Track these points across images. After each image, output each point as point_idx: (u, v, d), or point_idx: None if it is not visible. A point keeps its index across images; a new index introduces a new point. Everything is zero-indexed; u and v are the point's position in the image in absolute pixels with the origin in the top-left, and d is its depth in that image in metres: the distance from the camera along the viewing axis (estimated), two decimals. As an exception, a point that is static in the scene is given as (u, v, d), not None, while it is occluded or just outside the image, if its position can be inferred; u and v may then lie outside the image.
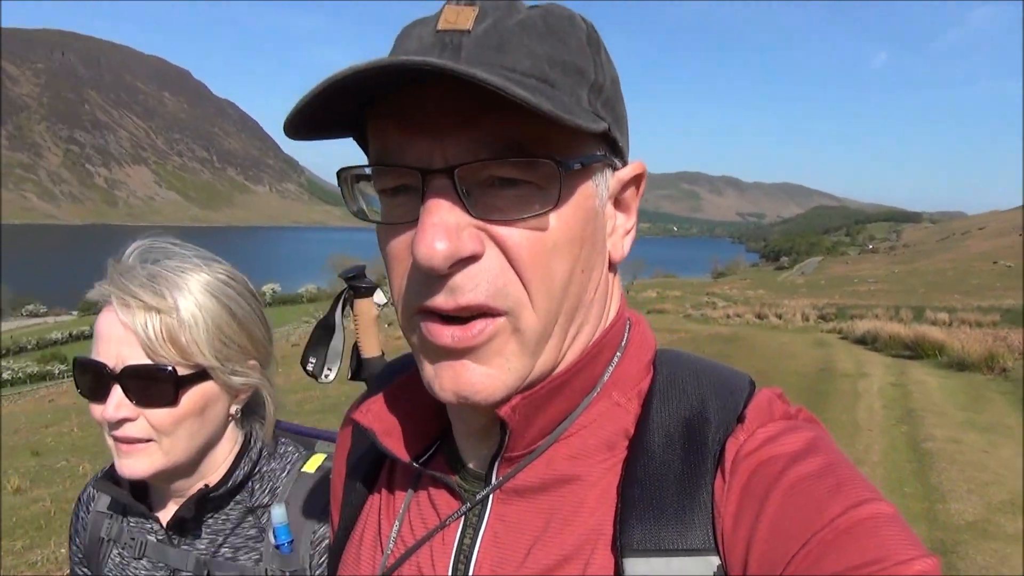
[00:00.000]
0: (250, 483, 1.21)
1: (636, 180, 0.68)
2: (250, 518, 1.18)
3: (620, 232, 0.69)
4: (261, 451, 1.22)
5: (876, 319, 21.47)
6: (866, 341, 16.91)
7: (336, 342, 1.29)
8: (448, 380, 0.61)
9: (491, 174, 0.57)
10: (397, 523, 0.74)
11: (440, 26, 0.59)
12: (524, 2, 0.62)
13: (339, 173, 0.64)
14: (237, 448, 1.21)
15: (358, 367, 1.34)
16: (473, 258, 0.58)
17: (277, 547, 1.13)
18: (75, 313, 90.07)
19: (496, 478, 0.67)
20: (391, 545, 0.73)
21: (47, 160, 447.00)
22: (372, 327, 1.28)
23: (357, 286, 1.26)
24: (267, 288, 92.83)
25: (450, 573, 0.67)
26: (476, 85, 0.51)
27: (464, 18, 0.59)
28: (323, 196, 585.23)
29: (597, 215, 0.64)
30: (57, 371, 50.71)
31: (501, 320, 0.59)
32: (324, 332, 1.29)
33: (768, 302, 38.29)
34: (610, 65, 0.65)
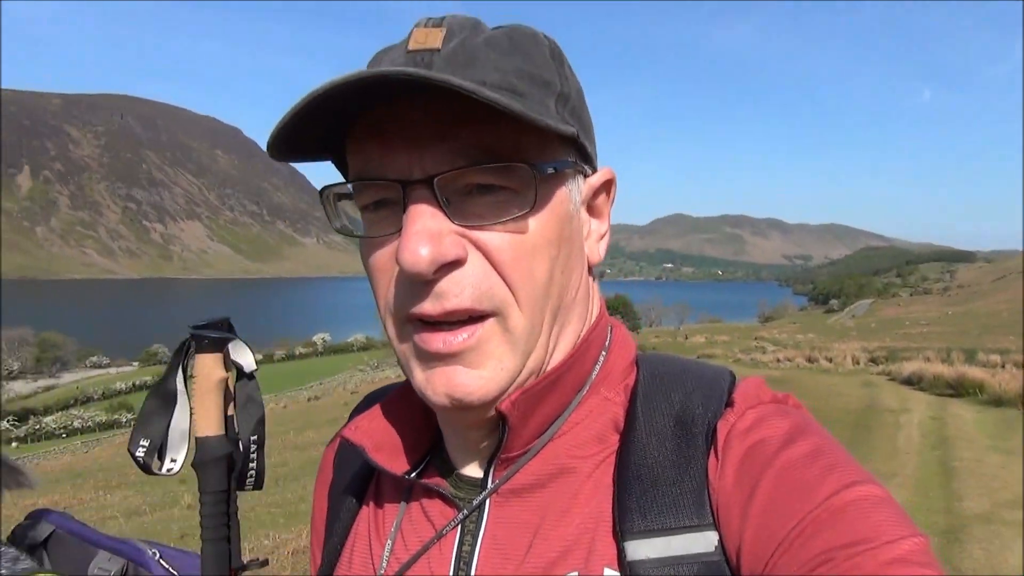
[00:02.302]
0: None
1: (606, 186, 0.71)
2: None
3: (595, 236, 0.72)
4: None
5: (927, 361, 21.92)
6: (912, 381, 17.55)
7: (180, 417, 0.93)
8: (441, 384, 0.62)
9: (469, 181, 0.60)
10: (390, 541, 0.73)
11: (411, 46, 0.62)
12: (485, 23, 0.66)
13: (321, 192, 0.65)
14: None
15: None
16: (457, 263, 0.59)
17: None
18: (136, 364, 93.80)
19: (492, 481, 0.68)
20: (384, 564, 0.72)
21: (106, 217, 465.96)
22: (212, 395, 0.90)
23: (200, 336, 0.90)
24: (318, 338, 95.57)
25: None
26: (449, 99, 0.55)
27: (433, 38, 0.61)
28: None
29: (572, 219, 0.67)
30: (124, 419, 53.25)
31: (489, 322, 0.61)
32: (160, 402, 0.93)
33: (818, 346, 38.46)
34: (574, 78, 0.68)
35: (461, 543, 0.68)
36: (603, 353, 0.71)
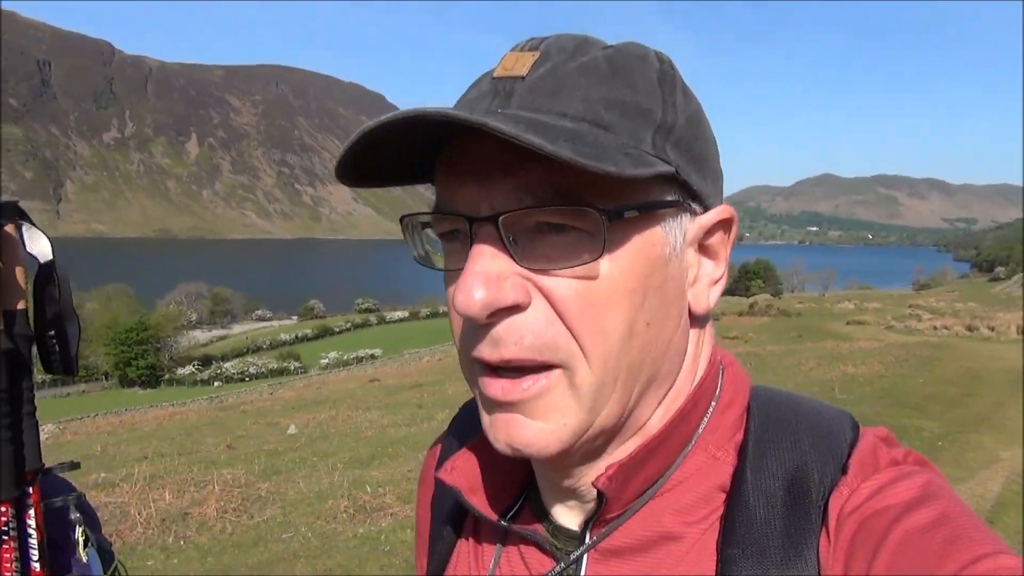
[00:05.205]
0: None
1: (724, 225, 0.64)
2: None
3: (705, 281, 0.64)
4: None
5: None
6: None
7: None
8: (502, 432, 0.60)
9: (539, 220, 0.56)
10: None
11: (496, 73, 0.59)
12: (598, 42, 0.61)
13: (402, 219, 0.64)
14: None
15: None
16: (516, 308, 0.56)
17: None
18: (295, 318, 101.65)
19: (590, 538, 0.65)
20: None
21: (263, 181, 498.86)
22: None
23: None
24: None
25: None
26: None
27: (521, 64, 0.59)
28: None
29: (667, 263, 0.60)
30: (292, 367, 58.72)
31: (555, 373, 0.57)
32: None
33: (980, 315, 36.83)
34: (687, 103, 0.62)
35: None
36: (712, 404, 0.65)
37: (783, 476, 0.60)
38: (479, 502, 0.69)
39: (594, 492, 0.63)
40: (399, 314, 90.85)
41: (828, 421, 0.63)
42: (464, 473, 0.70)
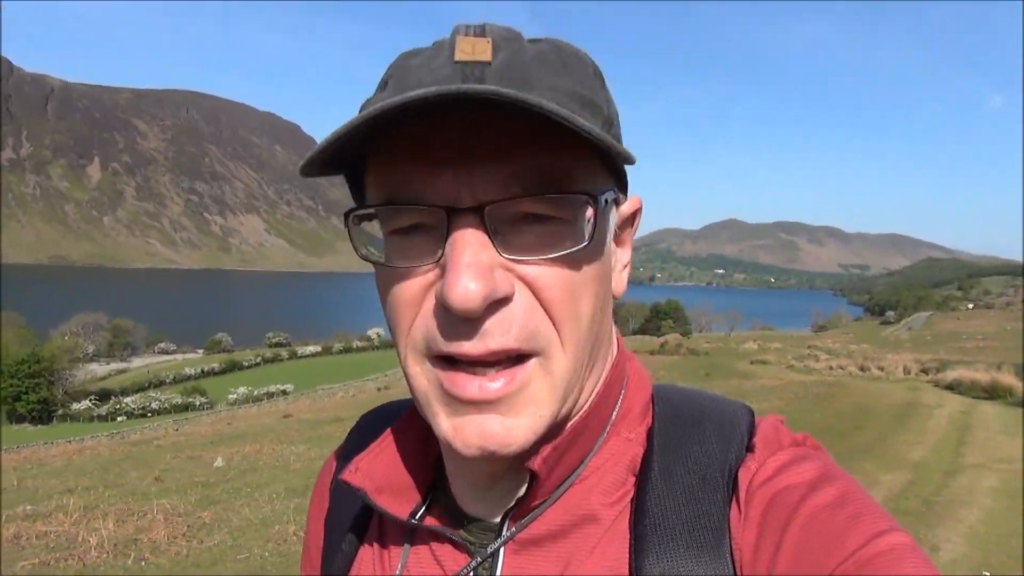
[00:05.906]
0: None
1: (634, 216, 0.68)
2: None
3: (619, 267, 0.67)
4: None
5: (976, 371, 23.23)
6: (953, 387, 19.87)
7: None
8: (474, 435, 0.56)
9: (519, 210, 0.55)
10: None
11: (459, 57, 0.56)
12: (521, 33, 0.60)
13: (347, 215, 0.60)
14: None
15: None
16: (505, 300, 0.54)
17: None
18: (201, 351, 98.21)
19: (508, 529, 0.64)
20: None
21: (170, 209, 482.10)
22: None
23: None
24: (373, 332, 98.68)
25: None
26: (500, 117, 0.51)
27: (481, 49, 0.56)
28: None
29: (609, 251, 0.64)
30: (198, 402, 56.72)
31: (532, 363, 0.56)
32: None
33: (871, 356, 39.40)
34: (613, 100, 0.64)
35: None
36: (622, 391, 0.68)
37: (690, 454, 0.62)
38: (387, 501, 0.67)
39: (521, 479, 0.63)
40: (311, 349, 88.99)
41: (729, 407, 0.66)
42: (368, 474, 0.68)
